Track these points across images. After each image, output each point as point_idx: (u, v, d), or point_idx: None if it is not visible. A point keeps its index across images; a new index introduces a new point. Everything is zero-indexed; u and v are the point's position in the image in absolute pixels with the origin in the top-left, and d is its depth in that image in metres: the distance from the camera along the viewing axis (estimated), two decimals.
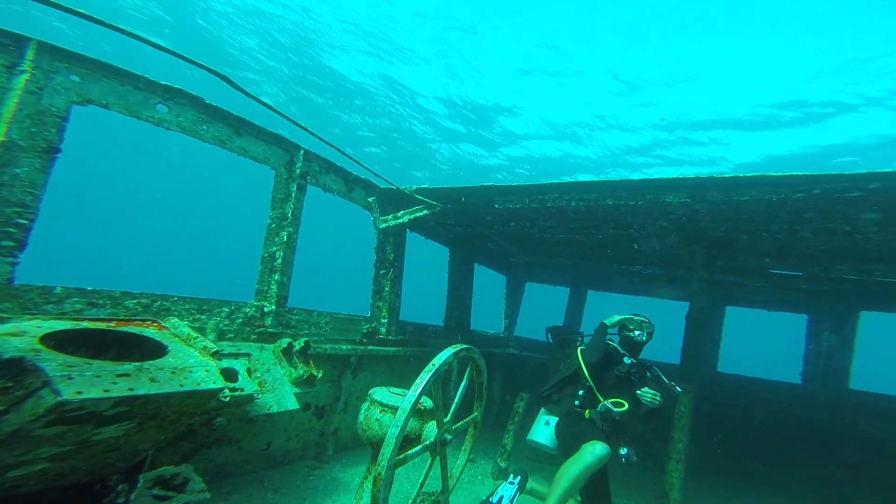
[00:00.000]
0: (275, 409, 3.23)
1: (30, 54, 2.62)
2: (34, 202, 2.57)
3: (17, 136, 2.53)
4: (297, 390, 3.57)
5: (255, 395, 2.80)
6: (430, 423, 2.67)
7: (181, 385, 1.82)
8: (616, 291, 8.35)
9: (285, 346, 3.70)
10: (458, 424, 2.91)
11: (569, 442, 3.58)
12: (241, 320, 3.69)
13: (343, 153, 4.14)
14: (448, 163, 24.35)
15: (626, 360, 3.90)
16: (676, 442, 4.21)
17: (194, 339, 2.26)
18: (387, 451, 2.11)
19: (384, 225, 4.84)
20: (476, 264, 7.65)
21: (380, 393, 2.86)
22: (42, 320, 1.98)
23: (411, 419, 2.64)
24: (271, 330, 3.87)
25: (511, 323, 8.93)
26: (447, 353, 2.57)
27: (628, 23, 16.03)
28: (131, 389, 1.63)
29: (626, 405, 3.61)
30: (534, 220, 5.30)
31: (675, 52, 16.09)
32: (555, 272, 8.73)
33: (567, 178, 4.74)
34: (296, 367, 3.69)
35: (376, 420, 2.65)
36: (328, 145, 3.94)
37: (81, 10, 2.33)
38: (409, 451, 2.41)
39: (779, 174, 3.33)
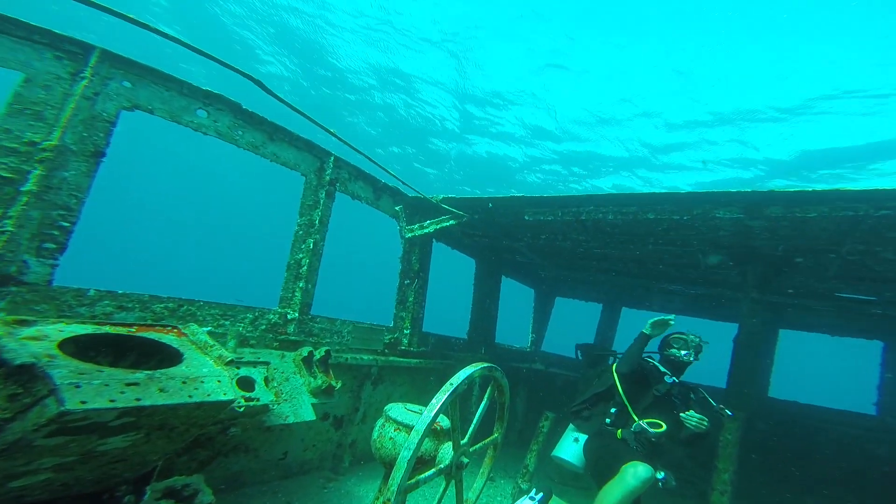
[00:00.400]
0: (291, 420, 3.18)
1: (92, 61, 2.70)
2: (77, 205, 2.63)
3: (70, 140, 2.60)
4: (314, 400, 3.53)
5: (271, 405, 2.76)
6: (445, 445, 2.55)
7: (191, 396, 1.78)
8: (653, 310, 8.00)
9: (305, 354, 3.67)
10: (477, 446, 2.78)
11: (600, 462, 3.39)
12: (264, 327, 3.69)
13: (371, 160, 4.12)
14: (464, 159, 24.15)
15: (668, 378, 3.67)
16: (721, 472, 3.93)
17: (210, 346, 2.23)
18: (398, 474, 2.00)
19: (410, 234, 4.78)
20: (503, 276, 7.50)
21: (395, 410, 2.76)
22: (66, 324, 1.99)
23: (426, 440, 2.53)
24: (293, 337, 3.85)
25: (538, 338, 8.70)
26: (467, 371, 2.45)
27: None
28: (138, 400, 1.60)
29: (664, 426, 3.39)
30: (566, 233, 5.13)
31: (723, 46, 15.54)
32: (587, 287, 8.42)
33: (589, 186, 4.51)
34: (315, 377, 3.66)
35: (390, 438, 2.55)
36: (356, 151, 3.93)
37: (112, 8, 2.38)
38: (422, 475, 2.30)
39: (857, 189, 3.05)
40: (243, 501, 3.48)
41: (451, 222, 4.95)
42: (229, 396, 1.93)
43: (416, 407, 2.96)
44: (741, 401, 4.19)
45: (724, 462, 3.94)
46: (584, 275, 7.40)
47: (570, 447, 3.82)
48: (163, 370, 1.84)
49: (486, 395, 2.90)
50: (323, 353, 3.71)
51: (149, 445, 1.79)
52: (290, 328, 3.86)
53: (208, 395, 1.86)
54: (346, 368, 4.34)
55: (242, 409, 2.52)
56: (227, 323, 3.43)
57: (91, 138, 2.70)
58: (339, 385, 3.66)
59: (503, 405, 3.07)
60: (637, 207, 3.97)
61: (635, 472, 2.96)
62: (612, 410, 3.65)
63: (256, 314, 3.65)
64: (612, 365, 3.84)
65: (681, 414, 3.31)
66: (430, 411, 2.18)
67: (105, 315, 2.68)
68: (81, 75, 2.66)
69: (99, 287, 2.75)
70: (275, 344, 3.74)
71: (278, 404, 2.82)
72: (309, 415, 3.36)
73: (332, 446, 4.40)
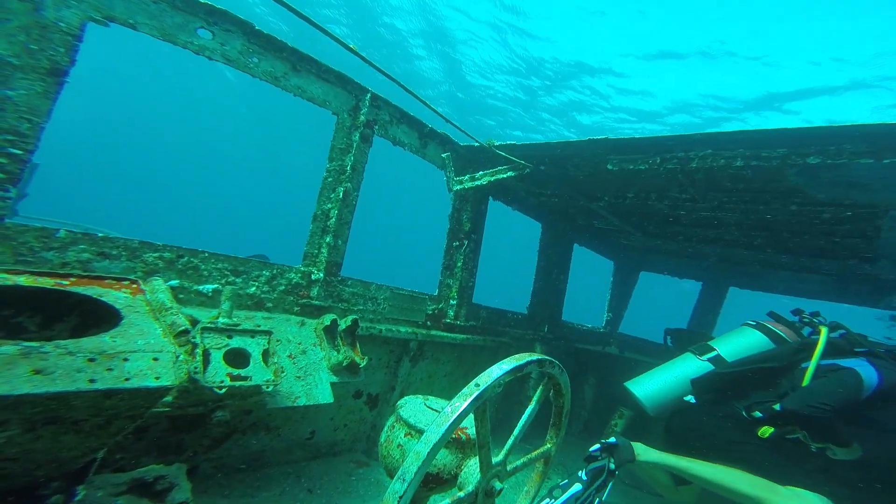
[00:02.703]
0: (302, 402, 2.67)
1: None
2: (33, 131, 2.17)
3: (4, 51, 2.12)
4: (334, 379, 2.99)
5: (266, 385, 2.22)
6: (472, 461, 1.86)
7: (92, 381, 1.22)
8: (777, 292, 6.63)
9: (328, 323, 3.13)
10: (520, 461, 2.06)
11: (712, 451, 2.69)
12: (283, 287, 3.18)
13: (419, 98, 3.39)
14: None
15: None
16: None
17: (167, 310, 1.68)
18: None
19: (459, 187, 4.03)
20: (576, 245, 6.56)
21: (412, 406, 2.11)
22: None
23: (446, 451, 1.86)
24: (317, 302, 3.31)
25: (616, 317, 7.69)
26: (502, 368, 1.71)
27: None
28: None
29: (860, 450, 2.52)
30: (664, 189, 4.11)
31: None
32: (684, 261, 7.11)
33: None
34: (338, 350, 3.11)
35: (398, 446, 1.91)
36: (400, 86, 3.21)
37: None
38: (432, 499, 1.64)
39: None
40: (262, 485, 3.08)
41: (510, 174, 4.12)
42: (164, 381, 1.36)
43: (442, 402, 2.30)
44: None
45: None
46: (682, 245, 6.19)
47: (662, 388, 3.22)
48: (66, 341, 1.30)
49: (535, 398, 2.15)
50: (349, 323, 3.15)
51: (43, 443, 1.27)
52: (315, 291, 3.33)
53: (126, 378, 1.30)
54: (380, 341, 3.78)
55: (223, 392, 1.99)
56: (240, 280, 2.94)
57: (44, 52, 2.20)
58: (364, 362, 3.10)
59: (560, 409, 2.31)
60: (788, 149, 2.89)
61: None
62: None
63: (275, 272, 3.14)
64: (824, 332, 3.01)
65: None
66: (440, 425, 1.48)
67: (80, 263, 2.24)
68: None
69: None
70: (295, 309, 3.23)
71: (276, 384, 2.28)
72: (325, 396, 2.84)
73: (366, 427, 3.91)
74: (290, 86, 3.18)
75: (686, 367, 3.35)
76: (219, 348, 2.16)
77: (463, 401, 1.56)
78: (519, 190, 5.21)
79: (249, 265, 2.99)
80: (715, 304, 6.83)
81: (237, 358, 2.27)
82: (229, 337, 2.26)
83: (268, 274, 3.10)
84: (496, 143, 3.86)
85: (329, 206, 3.44)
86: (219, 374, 2.06)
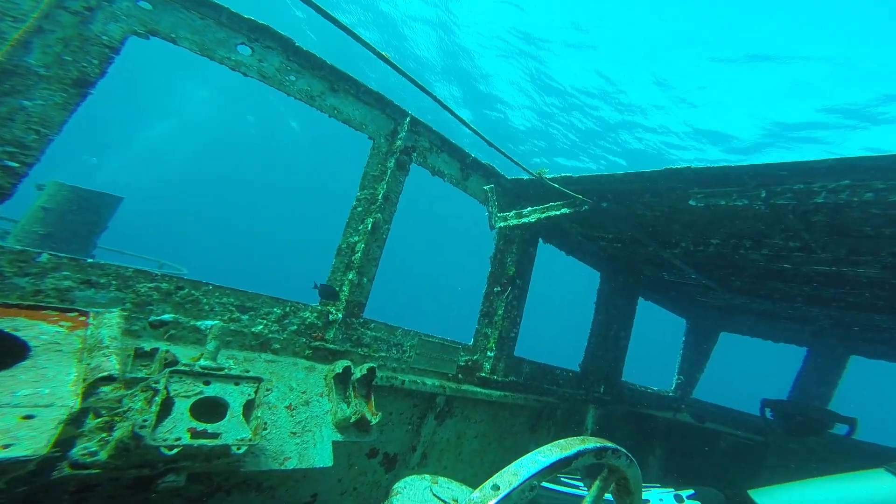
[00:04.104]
0: (293, 465, 2.25)
1: None
2: (39, 143, 2.05)
3: (36, 60, 2.05)
4: (339, 437, 2.56)
5: (237, 446, 1.83)
6: None
7: None
8: None
9: (340, 370, 2.74)
10: None
11: None
12: (294, 327, 2.85)
13: (465, 123, 3.05)
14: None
15: None
16: None
17: (100, 350, 1.37)
18: None
19: (503, 224, 3.59)
20: (640, 298, 5.81)
21: (412, 492, 1.62)
22: None
23: None
24: (332, 346, 2.95)
25: (688, 381, 6.70)
26: (542, 460, 1.21)
27: None
28: None
29: None
30: (764, 234, 3.43)
31: None
32: (781, 323, 6.08)
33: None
34: (348, 403, 2.70)
35: None
36: (436, 100, 2.90)
37: None
38: None
39: None
40: None
41: (564, 210, 3.63)
42: (18, 452, 1.00)
43: (455, 486, 1.78)
44: None
45: None
46: (779, 305, 5.24)
47: None
48: None
49: (589, 497, 1.58)
50: (365, 371, 2.74)
51: None
52: (331, 333, 2.97)
53: None
54: (403, 394, 3.32)
55: (175, 452, 1.62)
56: (246, 318, 2.65)
57: (77, 63, 2.12)
58: (377, 419, 2.65)
59: None
60: None
61: None
62: None
63: (287, 309, 2.82)
64: None
65: None
66: None
67: (58, 291, 2.02)
68: None
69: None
70: (306, 352, 2.87)
71: (253, 444, 1.88)
72: (323, 458, 2.40)
73: (379, 492, 3.40)
74: (325, 106, 2.98)
75: (877, 491, 2.36)
76: (188, 396, 1.82)
77: None
78: (574, 233, 4.67)
79: (259, 301, 2.70)
80: (831, 376, 5.65)
81: (212, 409, 1.91)
82: (206, 383, 1.92)
83: (279, 311, 2.79)
84: (548, 175, 3.41)
85: (356, 238, 3.13)
86: (177, 430, 1.70)
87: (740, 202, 2.97)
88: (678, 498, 2.35)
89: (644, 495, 2.32)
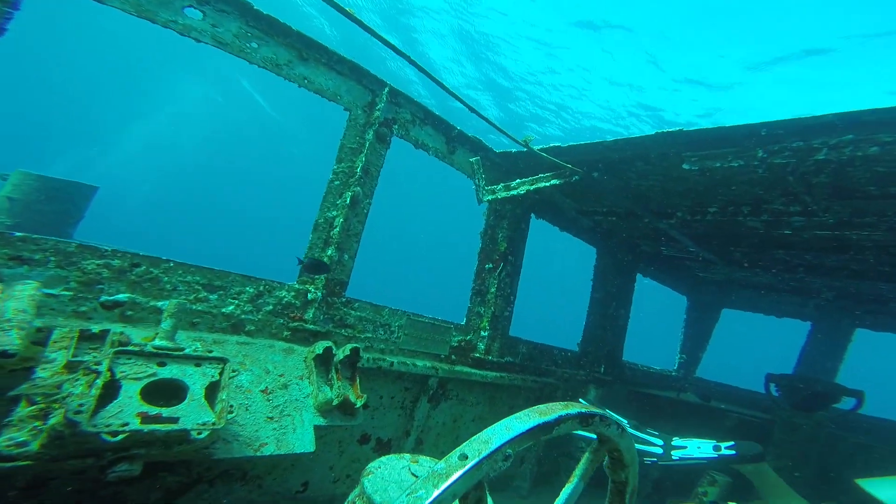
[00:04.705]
0: (270, 451, 2.09)
1: None
2: None
3: None
4: (321, 421, 2.40)
5: (198, 431, 1.66)
6: None
7: None
8: None
9: (321, 351, 2.57)
10: None
11: None
12: (270, 308, 2.68)
13: (452, 93, 2.86)
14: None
15: None
16: None
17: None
18: None
19: (490, 197, 3.41)
20: (640, 276, 5.64)
21: (386, 471, 1.45)
22: None
23: None
24: (312, 326, 2.78)
25: (691, 360, 6.55)
26: (516, 427, 1.04)
27: None
28: None
29: None
30: (763, 199, 3.27)
31: None
32: (784, 297, 5.92)
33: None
34: (331, 386, 2.54)
35: None
36: (433, 80, 2.71)
37: None
38: None
39: None
40: None
41: (554, 182, 3.45)
42: None
43: (431, 464, 1.61)
44: None
45: None
46: (780, 278, 5.08)
47: None
48: None
49: (577, 472, 1.42)
50: (349, 352, 2.58)
51: None
52: (310, 312, 2.80)
53: None
54: (393, 377, 3.16)
55: (120, 439, 1.45)
56: (215, 297, 2.47)
57: None
58: (361, 401, 2.49)
59: (622, 488, 1.53)
60: None
61: None
62: None
63: (262, 288, 2.65)
64: None
65: None
66: None
67: None
68: None
69: None
70: (284, 333, 2.70)
71: (217, 428, 1.71)
72: (304, 443, 2.25)
73: None
74: (294, 75, 2.78)
75: None
76: (138, 379, 1.65)
77: (430, 490, 0.89)
78: (568, 207, 4.49)
79: (229, 279, 2.52)
80: (836, 350, 5.49)
81: (169, 392, 1.74)
82: (161, 364, 1.75)
83: (252, 291, 2.61)
84: (534, 145, 3.22)
85: (334, 213, 2.95)
86: (124, 414, 1.53)
87: (736, 163, 2.81)
88: (716, 448, 2.48)
89: (683, 442, 2.51)
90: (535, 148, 3.40)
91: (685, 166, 2.99)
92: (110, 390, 1.55)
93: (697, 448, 2.48)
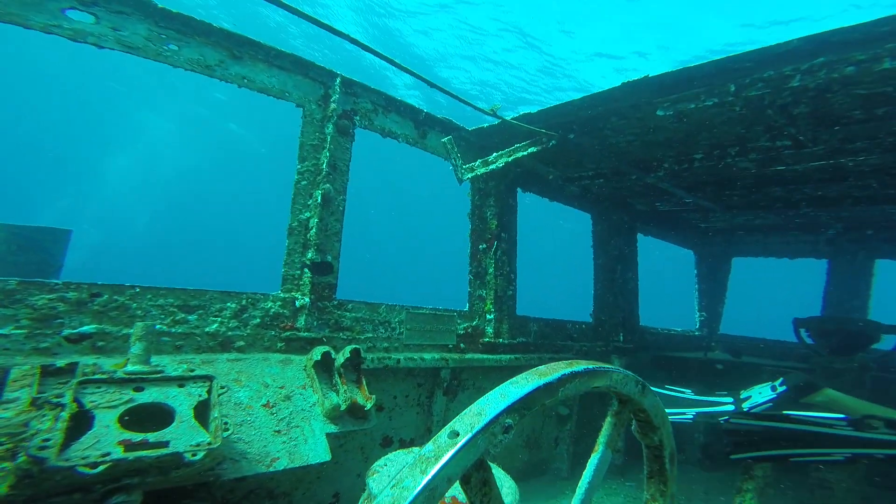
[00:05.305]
0: (283, 465, 1.95)
1: None
2: None
3: None
4: (333, 428, 2.25)
5: (192, 452, 1.51)
6: None
7: None
8: None
9: (319, 357, 2.43)
10: None
11: None
12: (258, 321, 2.53)
13: (412, 73, 2.74)
14: None
15: None
16: None
17: None
18: None
19: (470, 175, 3.28)
20: (641, 235, 5.50)
21: (389, 471, 1.32)
22: None
23: None
24: (306, 333, 2.63)
25: (712, 317, 6.38)
26: (514, 392, 0.90)
27: None
28: None
29: None
30: (747, 137, 3.16)
31: None
32: (793, 236, 5.72)
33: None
34: (337, 391, 2.39)
35: None
36: (386, 61, 2.59)
37: None
38: None
39: None
40: None
41: (531, 150, 3.33)
42: None
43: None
44: None
45: None
46: (784, 215, 4.89)
47: None
48: None
49: (601, 439, 1.27)
50: (349, 355, 2.43)
51: None
52: (301, 320, 2.65)
53: None
54: (402, 374, 3.01)
55: (101, 470, 1.30)
56: (193, 318, 2.32)
57: None
58: (371, 403, 2.34)
59: (657, 452, 1.37)
60: None
61: None
62: None
63: (245, 302, 2.50)
64: None
65: None
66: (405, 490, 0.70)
67: None
68: None
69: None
70: (279, 345, 2.56)
71: (214, 446, 1.56)
72: (318, 453, 2.10)
73: None
74: (230, 76, 2.63)
75: None
76: (113, 407, 1.50)
77: (418, 478, 0.75)
78: (553, 177, 4.37)
79: (206, 297, 2.38)
80: (859, 286, 5.21)
81: (157, 418, 1.59)
82: (138, 390, 1.60)
83: (234, 306, 2.46)
84: (500, 112, 3.10)
85: (307, 214, 2.81)
86: (102, 444, 1.38)
87: (710, 101, 2.71)
88: (773, 388, 2.84)
89: (748, 393, 2.86)
90: (507, 118, 3.29)
91: (659, 112, 2.89)
92: (82, 422, 1.41)
93: (759, 393, 2.69)
